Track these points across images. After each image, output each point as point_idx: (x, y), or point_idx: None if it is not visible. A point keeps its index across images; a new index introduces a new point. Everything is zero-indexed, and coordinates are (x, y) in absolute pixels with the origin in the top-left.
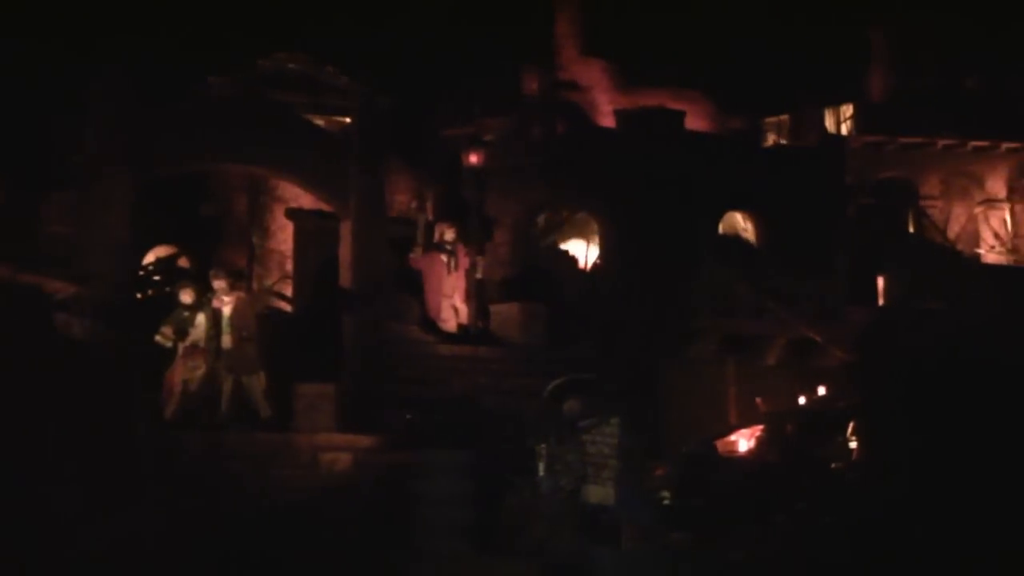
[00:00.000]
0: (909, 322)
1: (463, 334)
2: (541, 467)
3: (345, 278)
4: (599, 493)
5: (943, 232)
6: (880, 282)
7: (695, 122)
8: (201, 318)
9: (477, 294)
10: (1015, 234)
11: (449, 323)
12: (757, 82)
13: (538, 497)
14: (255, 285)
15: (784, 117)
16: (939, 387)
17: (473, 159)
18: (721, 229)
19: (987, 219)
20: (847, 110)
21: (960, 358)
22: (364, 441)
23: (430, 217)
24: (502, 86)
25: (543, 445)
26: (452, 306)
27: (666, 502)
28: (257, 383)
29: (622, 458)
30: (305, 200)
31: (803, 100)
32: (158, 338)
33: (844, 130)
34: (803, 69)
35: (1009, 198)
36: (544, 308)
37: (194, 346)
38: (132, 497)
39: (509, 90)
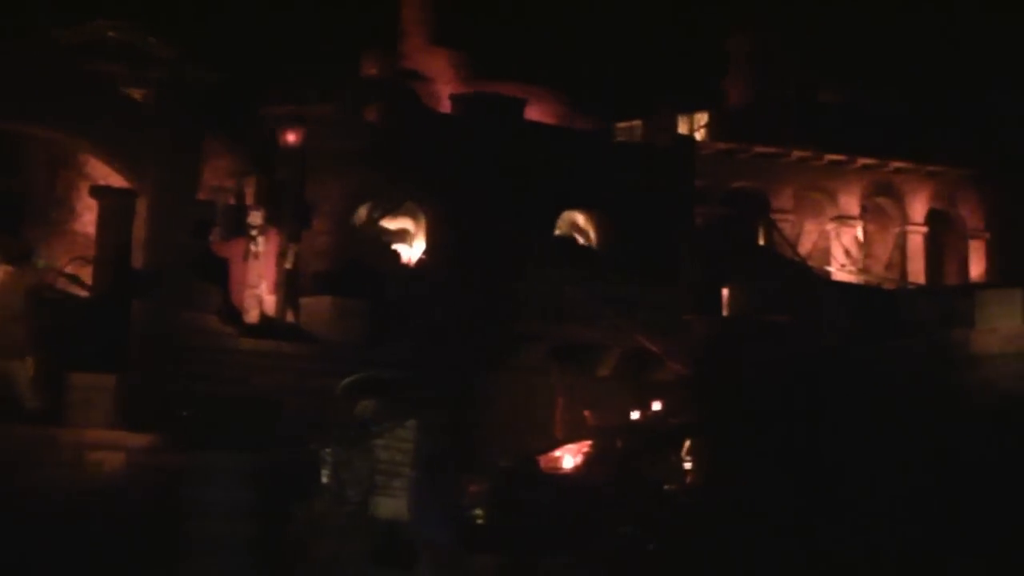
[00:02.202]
0: (752, 336)
1: (267, 327)
2: (325, 475)
3: (138, 260)
4: (391, 506)
5: (794, 247)
6: (725, 294)
7: (542, 120)
8: None
9: (287, 285)
10: (866, 253)
11: (252, 314)
12: (611, 85)
13: (325, 509)
14: (42, 264)
15: (637, 122)
16: (781, 405)
17: (291, 138)
18: (559, 229)
19: (839, 236)
20: (702, 118)
21: (803, 376)
22: (139, 440)
23: (249, 200)
24: (340, 70)
25: (328, 450)
26: (257, 296)
27: (479, 521)
28: (22, 369)
29: (419, 467)
30: (117, 180)
31: (657, 105)
32: None
33: (699, 137)
34: (659, 75)
35: (862, 216)
36: (361, 304)
37: None
38: None
39: (347, 74)
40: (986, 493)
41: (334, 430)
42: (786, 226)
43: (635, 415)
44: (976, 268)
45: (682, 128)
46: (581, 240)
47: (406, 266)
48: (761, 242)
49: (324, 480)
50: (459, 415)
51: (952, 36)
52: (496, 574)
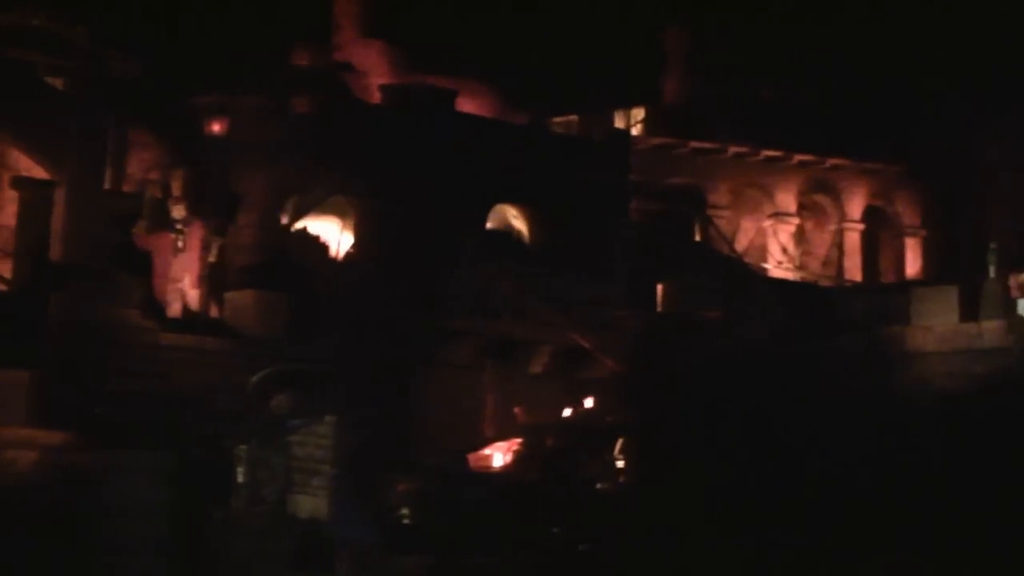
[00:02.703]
0: (686, 332)
1: (190, 322)
2: (241, 473)
3: (56, 252)
4: (310, 505)
5: (730, 243)
6: (660, 289)
7: (476, 113)
8: None
9: (211, 279)
10: (803, 250)
11: (174, 309)
12: (546, 80)
13: (241, 509)
14: None
15: (573, 117)
16: (715, 403)
17: (216, 128)
18: (491, 223)
19: (776, 233)
20: (639, 113)
21: (738, 373)
22: (53, 438)
23: (175, 193)
24: (270, 60)
25: (243, 447)
26: (180, 290)
27: (405, 521)
28: None
29: (339, 464)
30: (41, 171)
31: (593, 100)
32: None
33: (635, 133)
34: (596, 70)
35: (799, 213)
36: (287, 298)
37: None
38: None
39: (277, 65)
40: (922, 491)
41: (248, 426)
42: (723, 222)
43: (567, 412)
44: (912, 266)
45: (618, 123)
46: (515, 234)
47: (334, 260)
48: (697, 238)
49: (240, 479)
50: (386, 412)
51: (890, 33)
52: (421, 575)
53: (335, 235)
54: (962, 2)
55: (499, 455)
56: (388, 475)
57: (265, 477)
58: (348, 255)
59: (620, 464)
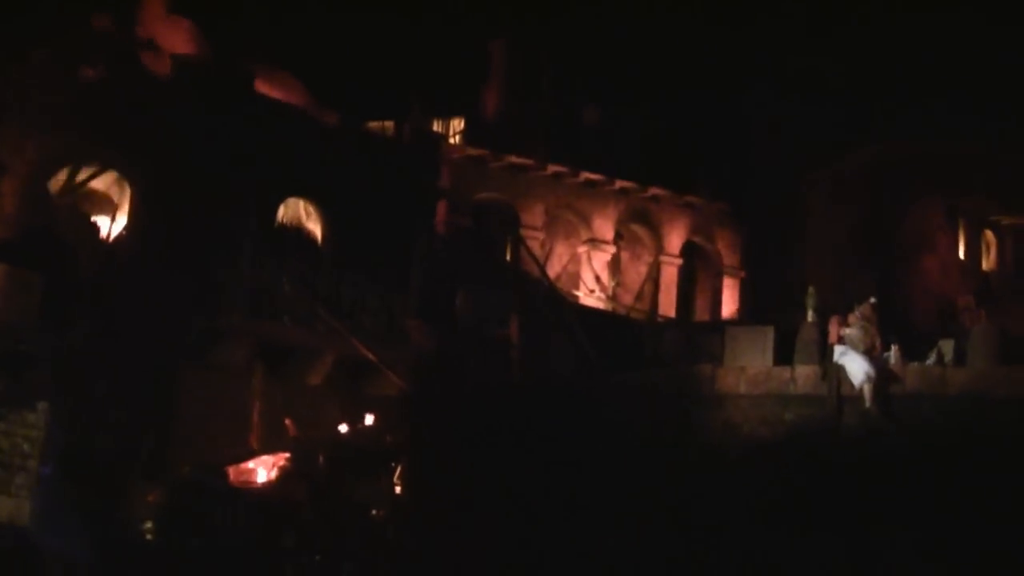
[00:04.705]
0: (481, 352)
1: None
2: None
3: None
4: (9, 507)
5: (542, 266)
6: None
7: None
8: None
9: None
10: (617, 281)
11: None
12: (365, 83)
13: None
14: None
15: (389, 123)
16: (506, 431)
17: None
18: (282, 218)
19: (590, 260)
20: (458, 124)
21: (534, 401)
22: None
23: None
24: (61, 21)
25: None
26: None
27: (148, 536)
28: None
29: (49, 462)
30: None
31: (411, 106)
32: None
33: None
34: (417, 79)
35: (616, 242)
36: (40, 277)
37: None
38: None
39: (68, 26)
40: (719, 541)
41: None
42: (535, 244)
43: (344, 429)
44: (728, 306)
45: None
46: (306, 233)
47: (104, 242)
48: (508, 258)
49: None
50: (139, 412)
51: (721, 71)
52: None
53: (108, 216)
54: (798, 48)
55: (263, 470)
56: (138, 484)
57: None
58: (119, 238)
59: (399, 490)
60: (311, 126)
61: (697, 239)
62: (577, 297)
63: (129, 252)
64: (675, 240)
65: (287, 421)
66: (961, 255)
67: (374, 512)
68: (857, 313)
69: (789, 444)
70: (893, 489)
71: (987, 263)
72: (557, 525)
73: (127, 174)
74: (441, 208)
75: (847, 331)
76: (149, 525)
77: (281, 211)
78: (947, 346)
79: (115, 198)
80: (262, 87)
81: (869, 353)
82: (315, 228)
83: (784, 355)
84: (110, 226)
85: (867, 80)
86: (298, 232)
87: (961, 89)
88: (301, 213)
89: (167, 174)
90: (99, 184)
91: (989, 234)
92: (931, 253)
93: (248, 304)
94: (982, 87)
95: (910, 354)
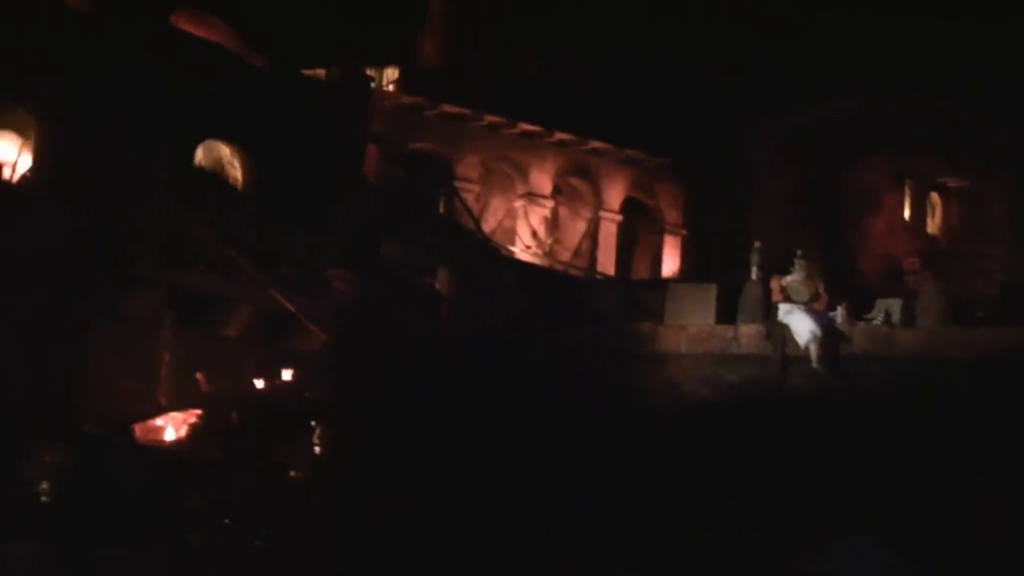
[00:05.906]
0: (408, 303)
1: None
2: None
3: None
4: None
5: (476, 219)
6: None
7: None
8: None
9: None
10: (555, 238)
11: None
12: (297, 29)
13: None
14: None
15: (321, 71)
16: (434, 387)
17: None
18: (201, 160)
19: (527, 215)
20: (393, 73)
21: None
22: None
23: None
24: None
25: None
26: None
27: (44, 499)
28: None
29: None
30: None
31: (343, 53)
32: None
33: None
34: (351, 25)
35: (554, 196)
36: None
37: None
38: None
39: None
40: (657, 504)
41: None
42: (470, 197)
43: (260, 384)
44: (670, 265)
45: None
46: (225, 178)
47: (7, 184)
48: (441, 209)
49: None
50: (35, 364)
51: (669, 25)
52: (34, 567)
53: (12, 155)
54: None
55: (172, 428)
56: (35, 441)
57: None
58: (23, 179)
59: (319, 451)
60: (235, 67)
61: (638, 195)
62: (513, 252)
63: (35, 195)
64: (615, 195)
65: (199, 376)
66: (907, 216)
67: (292, 474)
68: (796, 264)
69: (732, 405)
70: (838, 452)
71: (932, 226)
72: (489, 487)
73: (32, 110)
74: (372, 157)
75: (788, 279)
76: (45, 486)
77: (200, 154)
78: (895, 305)
79: (20, 137)
80: (188, 28)
81: (814, 302)
82: (236, 174)
83: (728, 314)
84: (13, 168)
85: (814, 34)
86: (215, 175)
87: (913, 46)
88: (222, 157)
89: (74, 110)
90: (3, 121)
91: (935, 196)
92: (877, 213)
93: (159, 251)
94: (933, 44)
95: (856, 314)
